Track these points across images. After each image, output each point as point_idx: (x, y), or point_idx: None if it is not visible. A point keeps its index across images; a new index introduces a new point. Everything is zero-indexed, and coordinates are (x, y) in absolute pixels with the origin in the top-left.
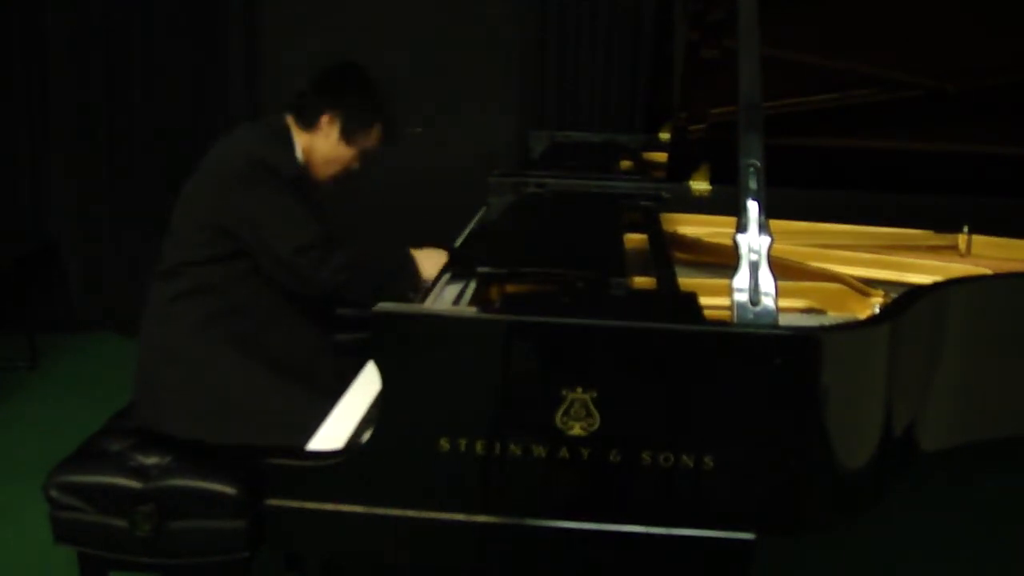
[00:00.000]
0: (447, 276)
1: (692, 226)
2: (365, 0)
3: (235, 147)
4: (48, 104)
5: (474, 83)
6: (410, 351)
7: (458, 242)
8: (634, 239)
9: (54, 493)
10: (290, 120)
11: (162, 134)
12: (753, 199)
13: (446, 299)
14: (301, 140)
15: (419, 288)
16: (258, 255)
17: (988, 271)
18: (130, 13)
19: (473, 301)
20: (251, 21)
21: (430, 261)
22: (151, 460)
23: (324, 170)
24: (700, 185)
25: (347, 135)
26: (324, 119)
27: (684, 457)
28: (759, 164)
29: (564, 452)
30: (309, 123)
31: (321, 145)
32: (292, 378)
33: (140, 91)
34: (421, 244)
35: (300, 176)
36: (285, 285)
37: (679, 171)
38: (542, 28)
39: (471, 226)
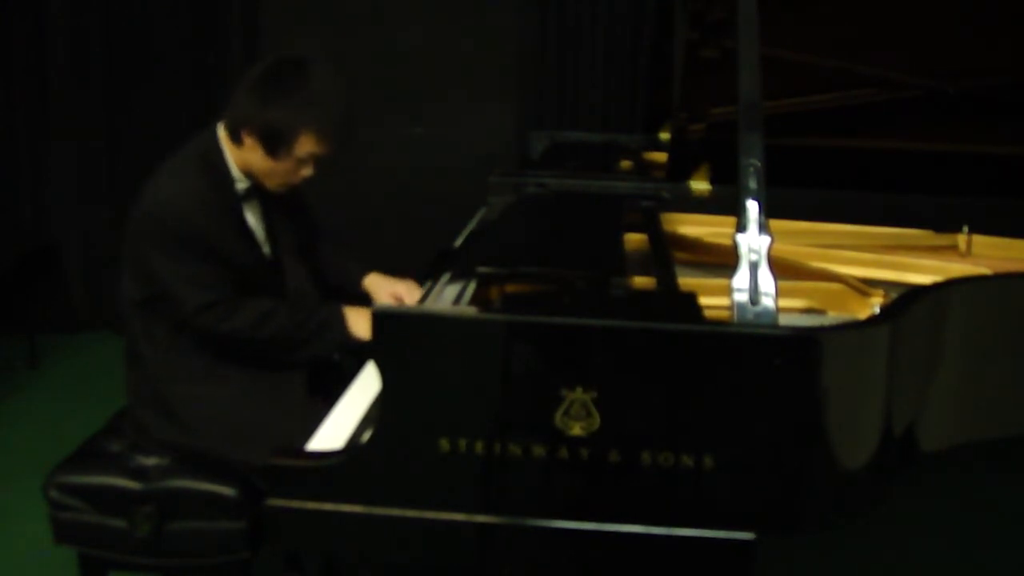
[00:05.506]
0: (447, 276)
1: (692, 226)
2: (365, 0)
3: (153, 193)
4: (48, 104)
5: (474, 83)
6: (410, 351)
7: (458, 242)
8: (634, 239)
9: (54, 493)
10: (222, 134)
11: (162, 134)
12: (753, 199)
13: (446, 299)
14: (234, 155)
15: (349, 345)
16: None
17: (988, 271)
18: (130, 12)
19: (473, 301)
20: (251, 21)
21: (363, 319)
22: (151, 461)
23: (270, 182)
24: (700, 185)
25: (271, 150)
26: (243, 134)
27: (684, 457)
28: (759, 164)
29: (564, 452)
30: (234, 139)
31: (253, 160)
32: (260, 398)
33: (140, 91)
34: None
35: (244, 192)
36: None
37: (679, 171)
38: (542, 28)
39: (471, 226)
